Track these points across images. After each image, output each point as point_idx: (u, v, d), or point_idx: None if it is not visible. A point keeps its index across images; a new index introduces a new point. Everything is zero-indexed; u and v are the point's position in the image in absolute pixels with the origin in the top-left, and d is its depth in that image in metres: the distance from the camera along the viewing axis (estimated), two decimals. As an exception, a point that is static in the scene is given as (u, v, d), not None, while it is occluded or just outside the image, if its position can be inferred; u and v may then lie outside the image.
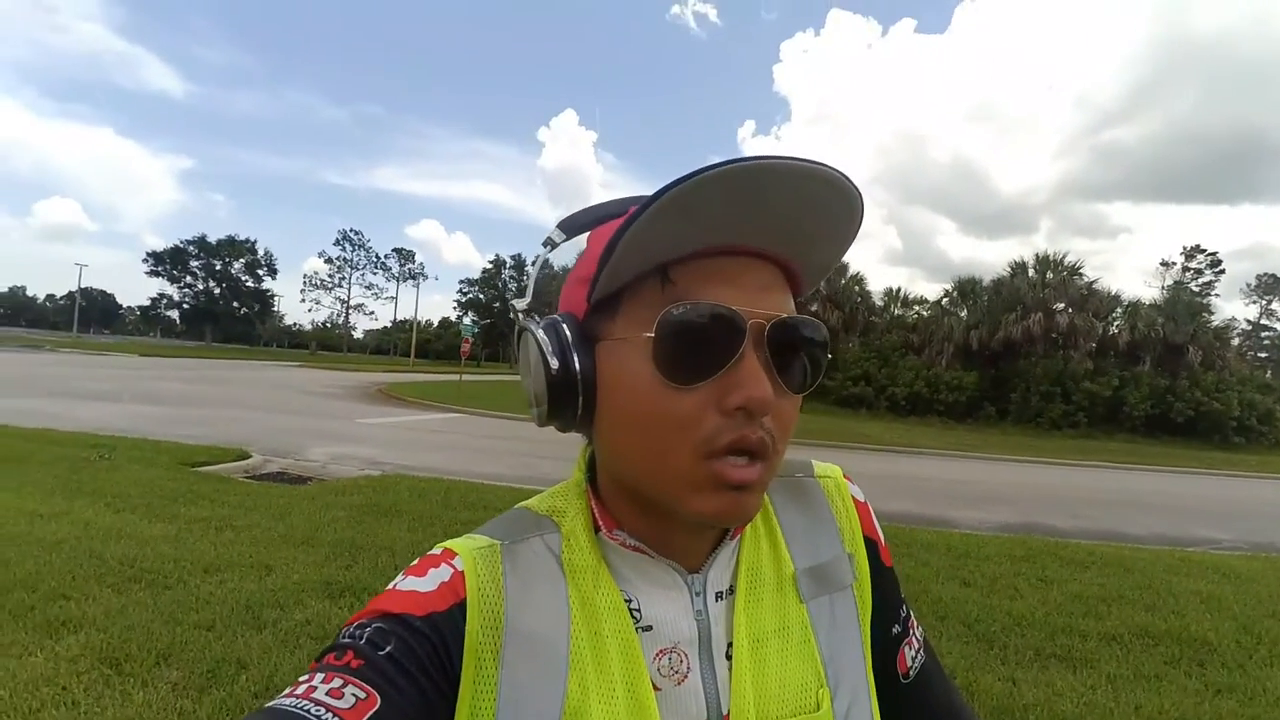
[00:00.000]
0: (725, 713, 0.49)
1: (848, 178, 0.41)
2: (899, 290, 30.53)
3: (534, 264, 0.56)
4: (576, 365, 0.47)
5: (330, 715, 0.39)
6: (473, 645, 0.45)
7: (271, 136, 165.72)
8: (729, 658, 0.50)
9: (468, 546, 0.50)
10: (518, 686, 0.45)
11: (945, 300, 29.19)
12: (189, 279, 73.53)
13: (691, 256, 0.44)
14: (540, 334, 0.48)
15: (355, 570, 4.07)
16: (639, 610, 0.50)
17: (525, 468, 8.90)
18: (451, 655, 0.45)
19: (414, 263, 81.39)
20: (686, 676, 0.49)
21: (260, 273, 77.04)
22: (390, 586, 0.48)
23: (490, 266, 79.02)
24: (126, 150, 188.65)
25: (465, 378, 25.73)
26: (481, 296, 77.01)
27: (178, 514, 5.01)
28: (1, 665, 2.71)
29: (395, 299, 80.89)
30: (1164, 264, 43.90)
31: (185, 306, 75.77)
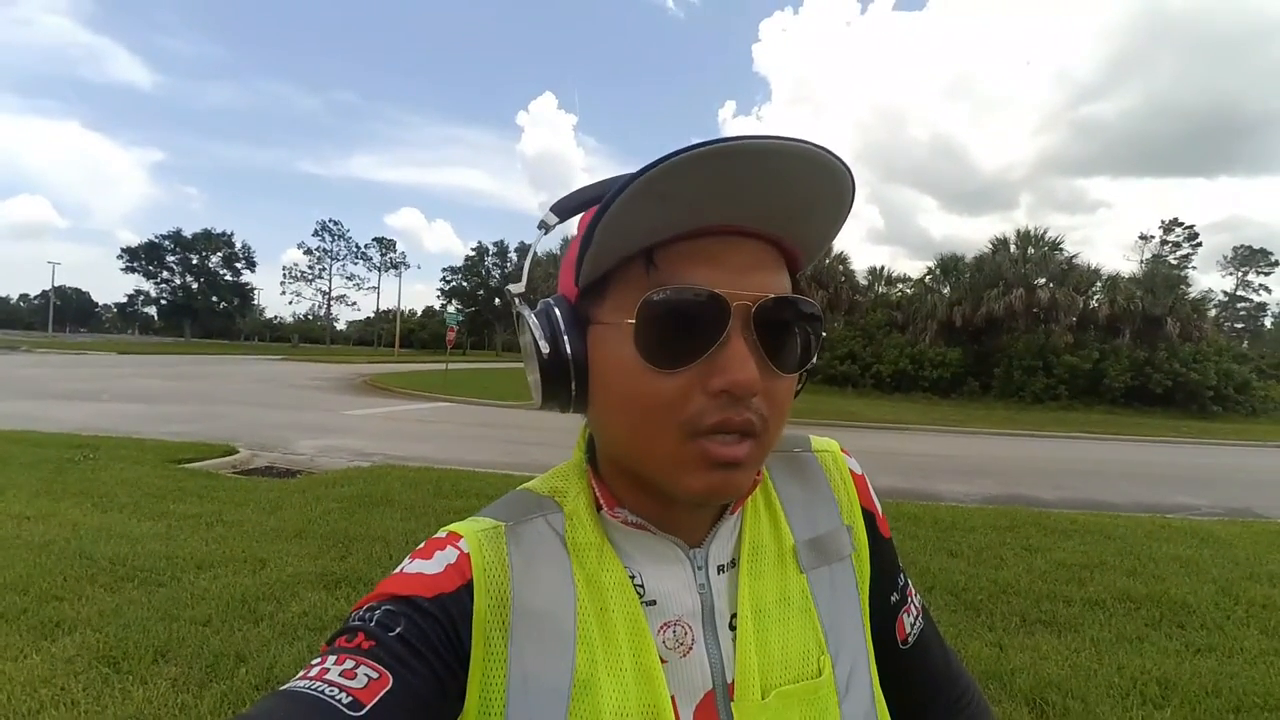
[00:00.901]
0: (730, 681, 0.50)
1: (828, 151, 0.41)
2: (883, 269, 30.79)
3: (528, 249, 0.56)
4: (568, 349, 0.47)
5: (344, 695, 0.39)
6: (481, 624, 0.46)
7: (244, 127, 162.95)
8: (732, 628, 0.51)
9: (472, 529, 0.51)
10: (527, 662, 0.46)
11: (928, 278, 29.37)
12: (165, 274, 72.23)
13: (676, 238, 0.44)
14: (532, 318, 0.49)
15: (350, 561, 4.08)
16: (643, 586, 0.51)
17: (515, 454, 8.90)
18: (461, 635, 0.46)
19: (395, 252, 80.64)
20: (691, 648, 0.50)
21: (238, 266, 75.86)
22: (397, 570, 0.49)
23: (473, 254, 78.38)
24: (95, 145, 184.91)
25: (451, 366, 25.60)
26: (465, 284, 76.43)
27: (167, 511, 4.97)
28: (-3, 667, 2.70)
29: (377, 289, 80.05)
30: (1142, 238, 44.60)
31: (163, 302, 74.49)
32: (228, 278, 75.34)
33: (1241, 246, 51.70)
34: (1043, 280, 26.20)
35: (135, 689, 2.58)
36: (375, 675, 0.41)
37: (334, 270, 76.51)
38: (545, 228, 0.54)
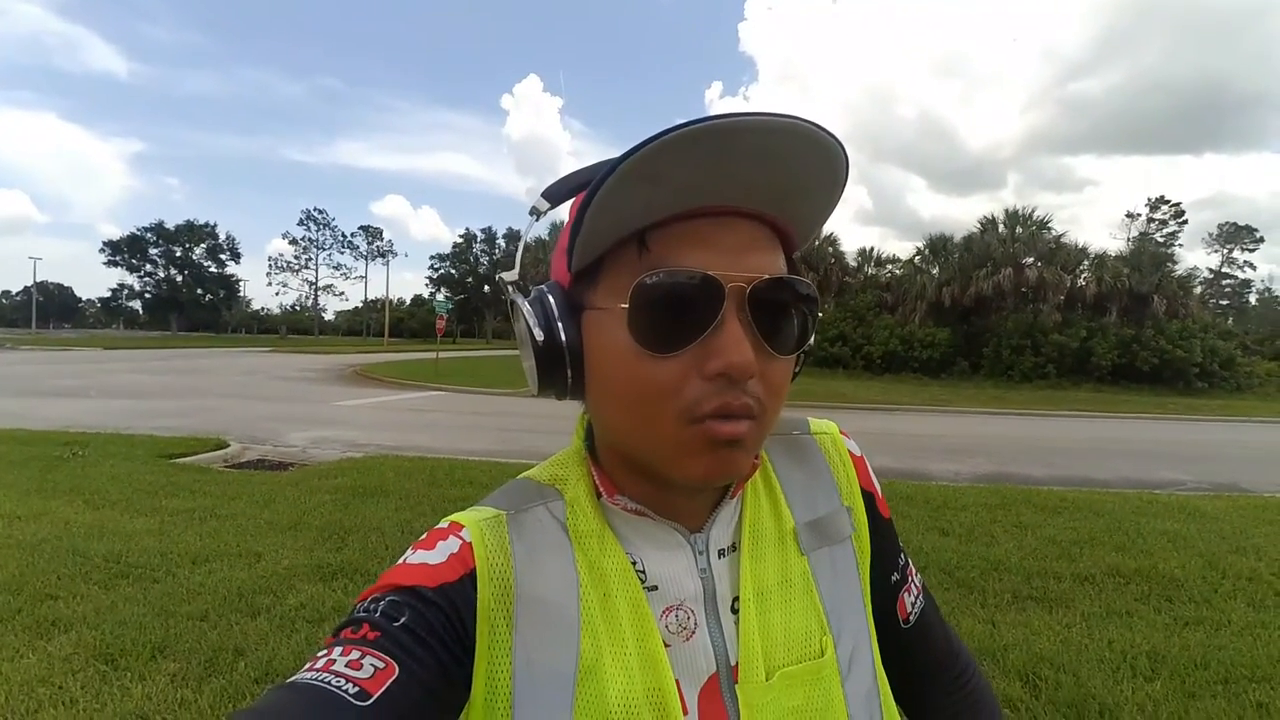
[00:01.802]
0: (734, 664, 0.50)
1: (821, 127, 0.40)
2: (872, 250, 30.75)
3: (520, 236, 0.56)
4: (562, 336, 0.47)
5: (350, 686, 0.39)
6: (485, 612, 0.46)
7: (225, 115, 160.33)
8: (734, 611, 0.52)
9: (474, 518, 0.51)
10: (532, 649, 0.46)
11: (918, 258, 29.43)
12: (149, 268, 71.47)
13: (668, 220, 0.43)
14: (526, 305, 0.48)
15: (346, 552, 4.08)
16: (644, 571, 0.51)
17: (509, 442, 8.91)
18: (465, 623, 0.46)
19: (382, 240, 79.86)
20: (694, 632, 0.50)
21: (223, 257, 75.13)
22: (400, 561, 0.48)
23: (460, 241, 77.90)
24: (73, 136, 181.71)
25: (441, 355, 25.50)
26: (454, 272, 76.06)
27: (159, 507, 4.94)
28: (-8, 667, 2.69)
29: (365, 278, 79.34)
30: (1129, 216, 44.79)
31: (147, 296, 73.71)
32: (212, 270, 74.60)
33: (1227, 223, 52.04)
34: (1031, 259, 26.33)
35: (134, 685, 2.58)
36: (381, 665, 0.41)
37: (320, 260, 75.77)
38: (537, 214, 0.54)
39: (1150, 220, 44.89)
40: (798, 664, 0.51)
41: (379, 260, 79.29)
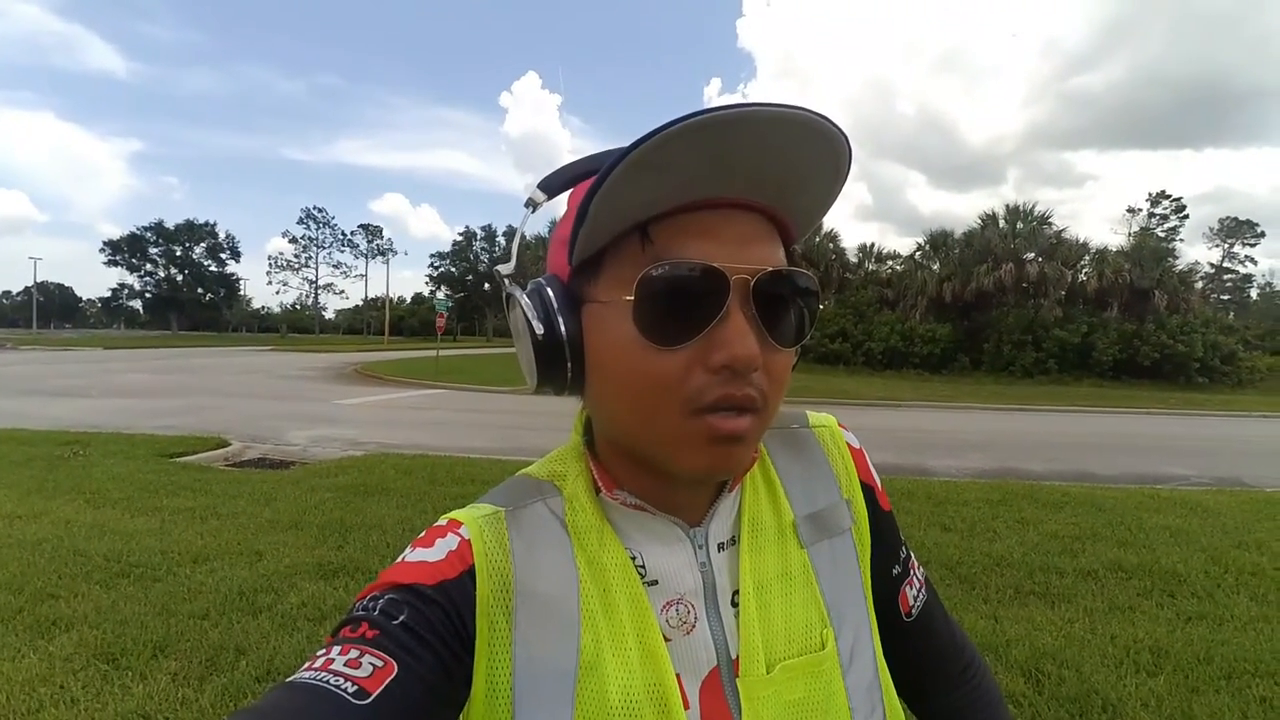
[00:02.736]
0: (734, 657, 0.50)
1: (827, 119, 0.40)
2: (872, 246, 30.71)
3: (516, 229, 0.55)
4: (563, 330, 0.46)
5: (349, 685, 0.39)
6: (485, 609, 0.46)
7: (224, 114, 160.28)
8: (734, 605, 0.51)
9: (472, 515, 0.51)
10: (532, 645, 0.46)
11: (918, 254, 29.40)
12: (149, 267, 71.54)
13: (671, 212, 0.43)
14: (525, 299, 0.48)
15: (347, 550, 4.07)
16: (644, 566, 0.51)
17: (509, 439, 8.90)
18: (465, 620, 0.46)
19: (382, 238, 79.90)
20: (694, 626, 0.50)
21: (223, 256, 75.23)
22: (399, 559, 0.48)
23: (460, 239, 77.81)
24: (71, 136, 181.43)
25: (442, 353, 25.51)
26: (454, 270, 76.00)
27: (160, 506, 4.95)
28: (-6, 666, 2.69)
29: (365, 276, 79.39)
30: (1130, 211, 44.69)
31: (148, 296, 73.80)
32: (212, 269, 74.67)
33: (1228, 218, 51.98)
34: (1031, 255, 26.27)
35: (135, 685, 2.58)
36: (380, 664, 0.41)
37: (320, 259, 75.87)
38: (533, 205, 0.53)
39: (1151, 215, 44.89)
40: (798, 657, 0.51)
41: (379, 259, 79.40)
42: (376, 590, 0.46)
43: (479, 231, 77.24)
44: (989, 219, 27.76)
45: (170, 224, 71.63)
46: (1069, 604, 3.56)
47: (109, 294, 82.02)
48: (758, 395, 0.44)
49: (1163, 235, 39.83)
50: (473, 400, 14.29)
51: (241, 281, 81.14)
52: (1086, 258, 26.78)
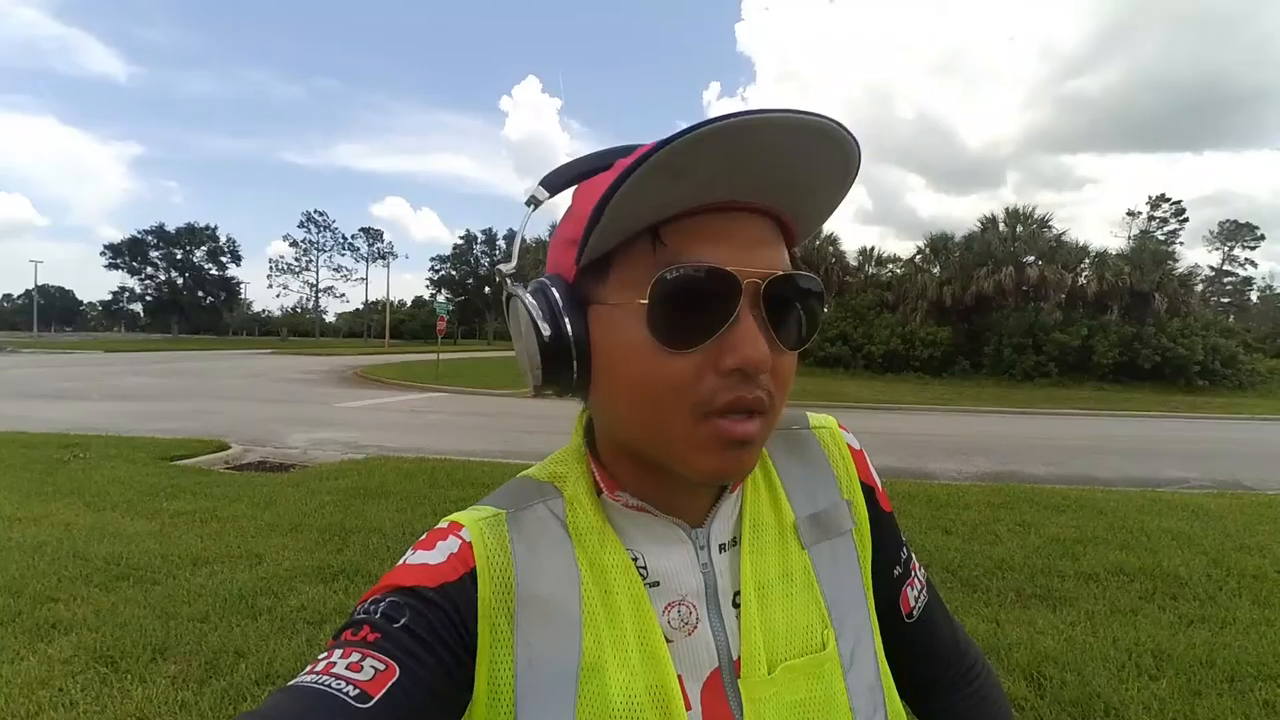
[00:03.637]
0: (736, 658, 0.50)
1: (841, 125, 0.40)
2: (872, 249, 30.67)
3: (518, 229, 0.55)
4: (569, 330, 0.46)
5: (351, 688, 0.39)
6: (486, 611, 0.46)
7: (224, 118, 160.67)
8: (736, 605, 0.51)
9: (473, 518, 0.51)
10: (534, 647, 0.46)
11: (918, 257, 29.37)
12: (150, 270, 71.61)
13: (682, 215, 0.43)
14: (529, 299, 0.47)
15: (347, 554, 4.07)
16: (645, 567, 0.51)
17: (510, 443, 8.90)
18: (466, 623, 0.46)
19: (382, 242, 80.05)
20: (696, 627, 0.50)
21: (224, 260, 75.30)
22: (400, 562, 0.48)
23: (461, 242, 77.98)
24: (72, 139, 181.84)
25: (442, 356, 25.50)
26: (454, 273, 76.14)
27: (160, 509, 4.94)
28: (-7, 670, 2.68)
29: (365, 280, 79.54)
30: (1130, 214, 44.71)
31: (148, 299, 73.83)
32: (213, 272, 74.73)
33: (1228, 221, 51.90)
34: (1032, 258, 26.26)
35: (134, 688, 2.57)
36: (382, 667, 0.41)
37: (321, 262, 75.97)
38: (535, 203, 0.53)
39: (1151, 218, 44.91)
40: (799, 657, 0.51)
41: (379, 262, 79.53)
42: (378, 593, 0.46)
43: (479, 235, 77.48)
44: (989, 222, 27.77)
45: (171, 227, 71.87)
46: (1071, 607, 3.55)
47: (109, 297, 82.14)
48: (765, 398, 0.44)
49: (1162, 238, 39.82)
50: (473, 403, 14.29)
51: (242, 285, 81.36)
52: (1086, 261, 26.76)
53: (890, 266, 30.29)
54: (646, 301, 0.42)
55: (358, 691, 0.39)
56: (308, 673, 0.41)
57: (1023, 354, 24.05)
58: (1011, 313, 25.30)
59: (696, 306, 0.42)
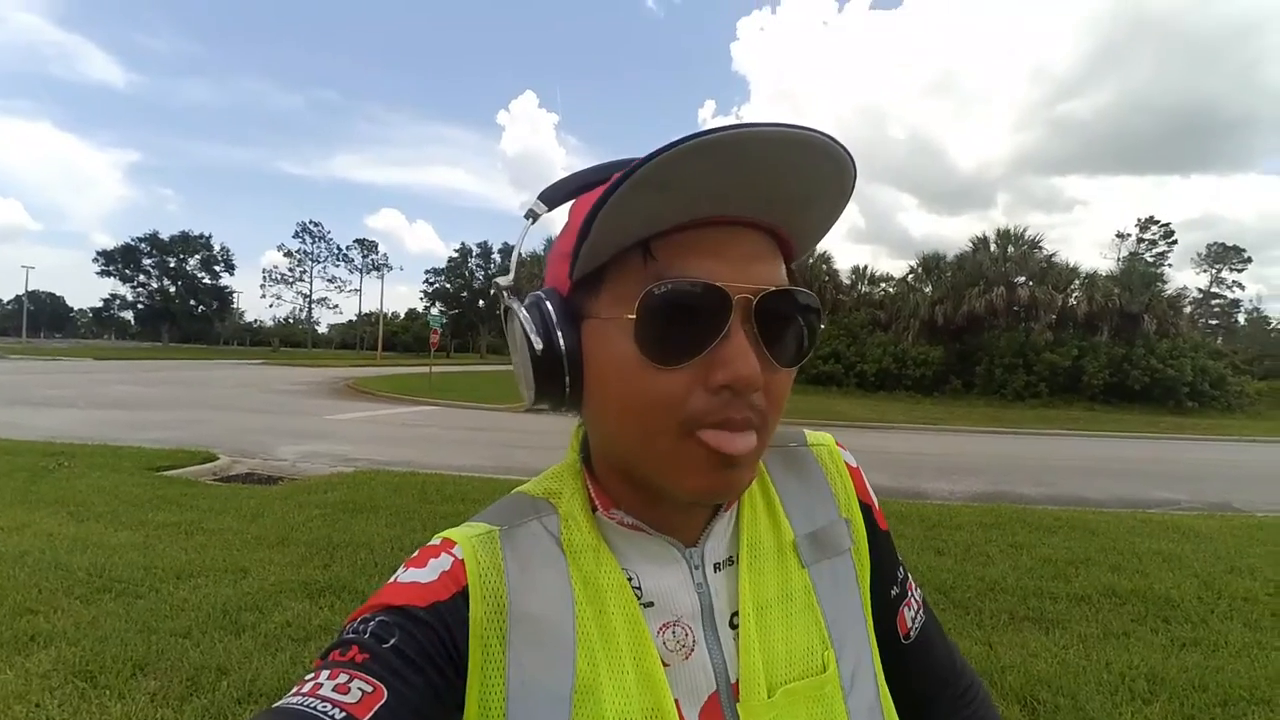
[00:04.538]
0: (734, 681, 0.49)
1: (833, 140, 0.40)
2: (865, 268, 30.97)
3: (515, 244, 0.54)
4: (561, 344, 0.46)
5: (338, 711, 0.38)
6: (478, 631, 0.45)
7: (222, 127, 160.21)
8: (733, 627, 0.50)
9: (466, 534, 0.50)
10: (526, 668, 0.45)
11: (911, 277, 29.64)
12: (142, 278, 71.32)
13: (673, 229, 0.43)
14: (524, 312, 0.47)
15: (334, 569, 4.01)
16: (640, 587, 0.50)
17: (502, 458, 8.85)
18: (457, 642, 0.45)
19: (377, 253, 79.91)
20: (693, 650, 0.49)
21: (217, 269, 75.09)
22: (392, 579, 0.47)
23: (455, 255, 77.94)
24: (68, 145, 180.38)
25: (435, 369, 25.43)
26: (449, 286, 76.03)
27: (145, 520, 4.88)
28: (-33, 684, 2.62)
29: (359, 291, 79.27)
30: (1119, 235, 45.30)
31: (140, 307, 73.48)
32: (206, 281, 74.47)
33: (1215, 244, 52.61)
34: (1023, 278, 26.53)
35: (113, 704, 2.52)
36: (369, 689, 0.40)
37: (315, 273, 75.84)
38: (534, 216, 0.53)
39: (1140, 240, 45.48)
40: (800, 680, 0.50)
41: (373, 274, 79.36)
42: (367, 612, 0.45)
43: (474, 248, 77.46)
44: (980, 243, 28.06)
45: (165, 235, 71.66)
46: (1063, 630, 3.54)
47: (100, 304, 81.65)
48: (757, 416, 0.44)
49: (1151, 260, 40.23)
50: (466, 417, 14.22)
51: (235, 294, 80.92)
52: (1076, 282, 27.04)
53: (883, 285, 30.54)
54: (635, 316, 0.42)
55: (344, 715, 0.38)
56: (294, 694, 0.40)
57: (1014, 374, 24.20)
58: (1003, 333, 25.48)
59: (686, 322, 0.42)
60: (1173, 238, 46.18)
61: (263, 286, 74.32)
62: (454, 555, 0.48)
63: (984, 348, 25.42)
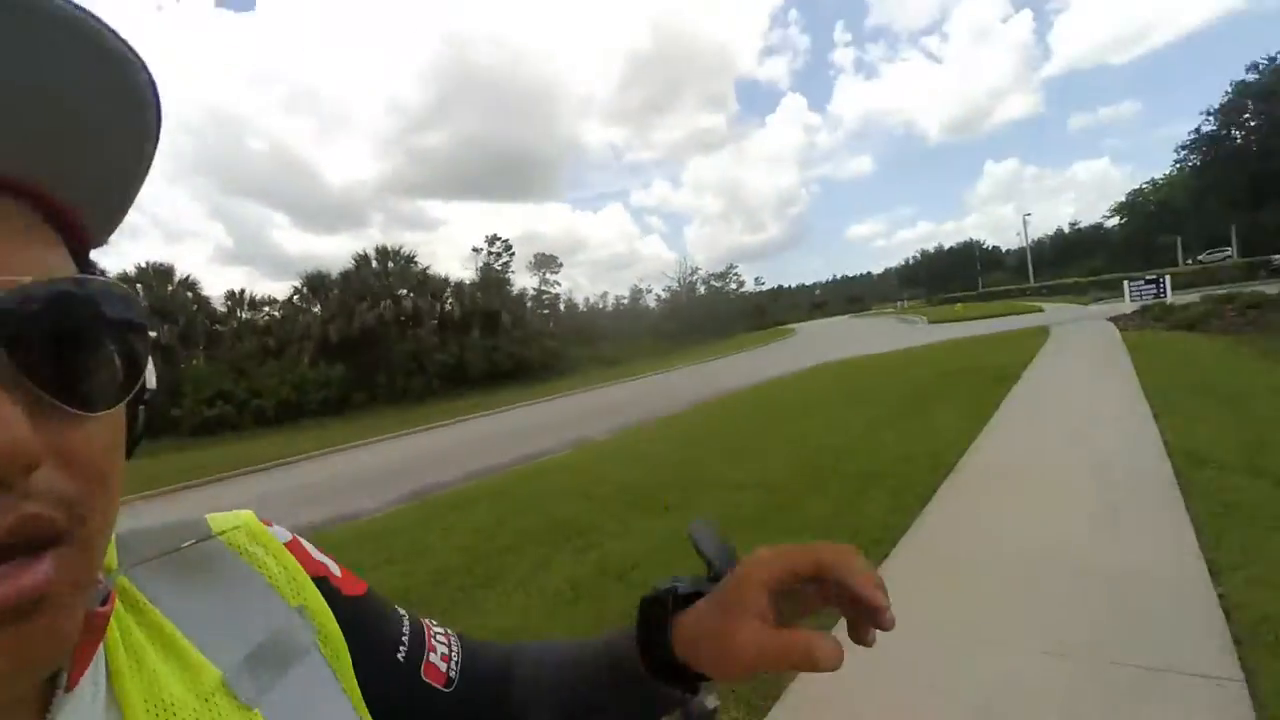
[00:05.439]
0: None
1: (99, 21, 0.25)
2: (242, 292, 28.13)
3: None
4: None
5: None
6: None
7: None
8: None
9: None
10: None
11: (297, 298, 28.48)
12: None
13: None
14: None
15: None
16: None
17: None
18: None
19: None
20: None
21: None
22: None
23: None
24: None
25: None
26: None
27: None
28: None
29: None
30: (475, 250, 53.68)
31: None
32: None
33: (539, 253, 68.73)
34: (405, 291, 28.71)
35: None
36: None
37: None
38: None
39: (490, 253, 54.94)
40: None
41: None
42: None
43: None
44: (363, 259, 28.98)
45: None
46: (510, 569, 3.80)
47: None
48: (58, 510, 0.25)
49: (499, 269, 49.22)
50: None
51: None
52: (449, 290, 30.87)
53: (267, 309, 28.42)
54: None
55: None
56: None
57: (412, 378, 26.13)
58: (396, 342, 27.11)
59: None
60: (512, 250, 57.51)
61: None
62: None
63: (382, 359, 26.52)
